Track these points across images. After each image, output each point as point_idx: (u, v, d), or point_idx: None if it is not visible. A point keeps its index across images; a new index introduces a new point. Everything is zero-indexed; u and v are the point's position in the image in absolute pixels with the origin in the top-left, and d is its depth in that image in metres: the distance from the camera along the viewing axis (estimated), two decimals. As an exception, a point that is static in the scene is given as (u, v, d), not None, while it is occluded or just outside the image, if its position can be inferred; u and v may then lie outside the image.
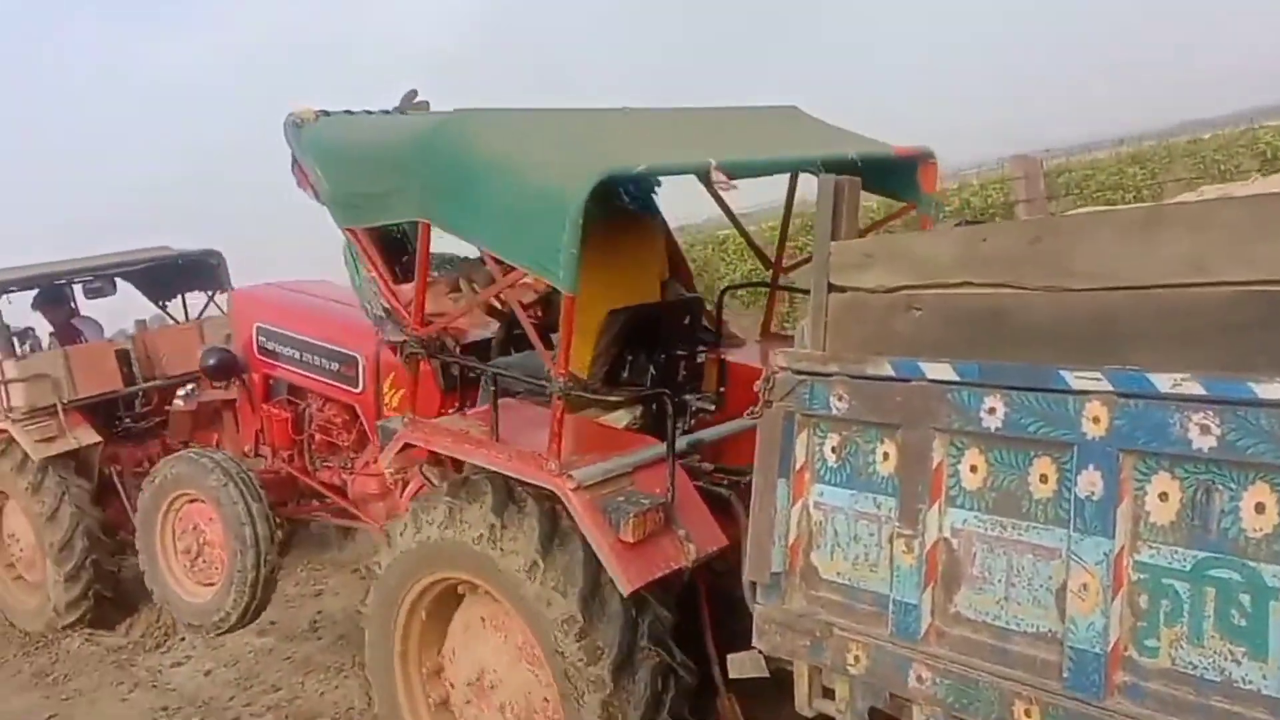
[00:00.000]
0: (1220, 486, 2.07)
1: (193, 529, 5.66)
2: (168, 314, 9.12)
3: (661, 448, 3.68)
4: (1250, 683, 2.04)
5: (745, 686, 3.74)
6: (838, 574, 2.84)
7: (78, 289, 8.74)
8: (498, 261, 3.76)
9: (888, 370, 2.64)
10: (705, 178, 3.63)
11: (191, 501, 5.67)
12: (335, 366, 5.49)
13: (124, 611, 8.02)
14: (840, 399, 2.76)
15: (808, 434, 2.89)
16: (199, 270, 8.63)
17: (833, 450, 2.84)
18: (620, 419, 4.29)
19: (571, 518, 3.48)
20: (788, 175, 4.83)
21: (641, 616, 3.52)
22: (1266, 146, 13.49)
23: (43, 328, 8.74)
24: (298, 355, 5.76)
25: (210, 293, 8.73)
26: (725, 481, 3.91)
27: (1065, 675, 2.30)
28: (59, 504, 7.49)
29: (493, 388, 3.99)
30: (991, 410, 2.41)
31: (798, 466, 2.91)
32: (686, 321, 4.67)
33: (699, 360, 4.76)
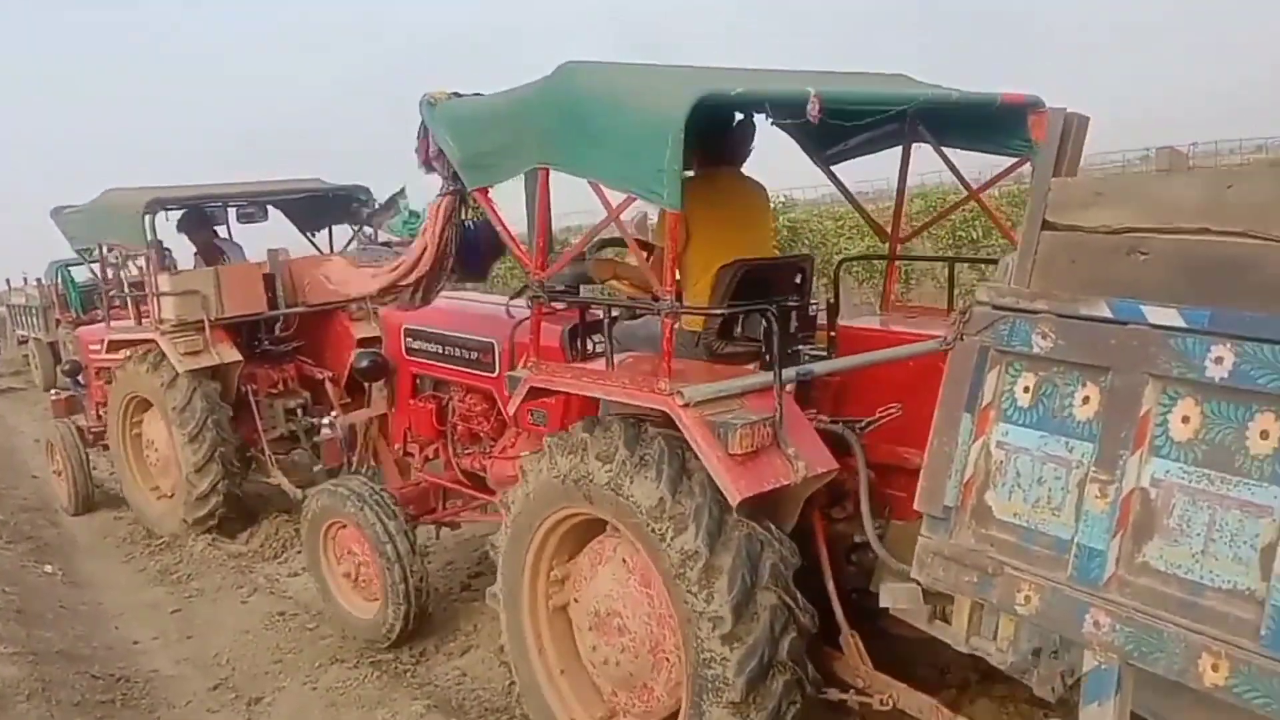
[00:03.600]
0: None
1: (348, 553, 5.92)
2: (314, 244, 9.41)
3: (768, 377, 3.74)
4: None
5: (864, 627, 3.82)
6: (1014, 515, 2.80)
7: (230, 212, 9.09)
8: (606, 198, 3.88)
9: (1105, 311, 2.58)
10: (802, 117, 3.57)
11: (343, 528, 5.92)
12: (474, 355, 5.70)
13: (245, 523, 8.39)
14: (1044, 337, 2.71)
15: (999, 371, 2.85)
16: (347, 205, 8.87)
17: (1025, 390, 2.79)
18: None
19: (697, 455, 3.52)
20: (900, 150, 4.91)
21: (764, 555, 3.55)
22: None
23: (184, 248, 9.10)
24: (441, 350, 5.98)
25: (357, 227, 8.97)
26: (840, 426, 3.93)
27: (1264, 634, 2.25)
28: (191, 397, 7.81)
29: (608, 320, 4.12)
30: (1219, 360, 2.35)
31: (984, 403, 2.87)
32: (798, 280, 4.69)
33: (811, 315, 4.79)
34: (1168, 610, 2.44)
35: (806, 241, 15.35)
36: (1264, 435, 2.31)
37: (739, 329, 4.38)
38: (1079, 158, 2.86)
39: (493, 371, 5.54)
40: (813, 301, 4.87)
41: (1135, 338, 2.51)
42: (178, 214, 8.71)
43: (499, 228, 4.68)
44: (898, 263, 5.53)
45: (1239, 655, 2.28)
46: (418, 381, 6.37)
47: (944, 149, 4.81)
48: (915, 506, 3.01)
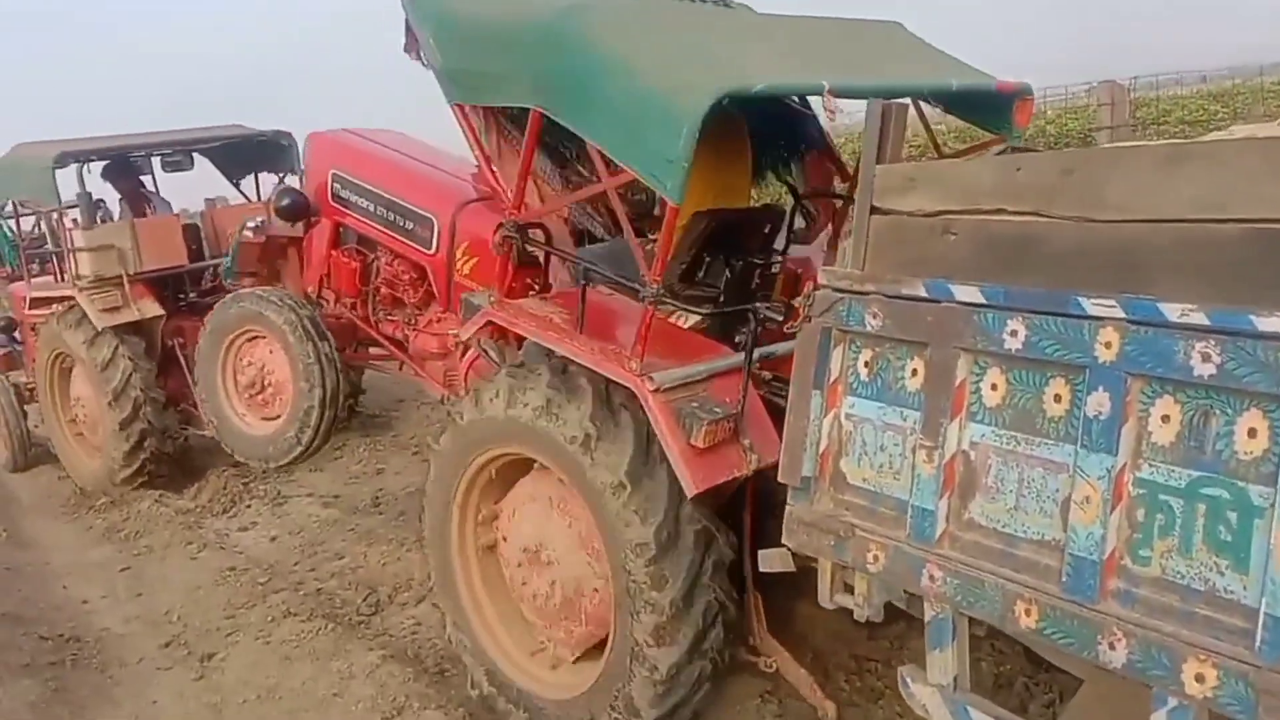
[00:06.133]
0: (1217, 411, 2.22)
1: (257, 365, 5.70)
2: (240, 191, 9.24)
3: (735, 358, 3.85)
4: (1231, 592, 2.21)
5: (769, 581, 3.92)
6: (863, 480, 3.03)
7: (155, 162, 8.89)
8: (605, 160, 3.82)
9: (920, 291, 2.79)
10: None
11: (255, 338, 5.70)
12: (410, 225, 5.54)
13: (192, 478, 8.31)
14: (875, 316, 2.92)
15: (843, 349, 3.06)
16: (272, 151, 8.66)
17: (865, 365, 3.01)
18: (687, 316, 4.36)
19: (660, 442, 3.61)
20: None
21: (709, 553, 3.70)
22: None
23: (111, 197, 8.87)
24: (372, 208, 5.77)
25: (281, 174, 8.70)
26: (782, 392, 4.00)
27: (1064, 579, 2.48)
28: (114, 355, 7.75)
29: (583, 281, 4.05)
30: (1013, 332, 2.56)
31: (832, 379, 3.09)
32: (767, 230, 4.69)
33: (773, 270, 4.79)
34: (989, 561, 2.67)
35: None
36: (1057, 399, 2.53)
37: (701, 274, 4.40)
38: (901, 143, 3.04)
39: (429, 248, 5.41)
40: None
41: (947, 314, 2.72)
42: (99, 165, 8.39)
43: (475, 150, 4.59)
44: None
45: (1045, 600, 2.52)
46: (341, 231, 6.11)
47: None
48: (779, 479, 3.22)
